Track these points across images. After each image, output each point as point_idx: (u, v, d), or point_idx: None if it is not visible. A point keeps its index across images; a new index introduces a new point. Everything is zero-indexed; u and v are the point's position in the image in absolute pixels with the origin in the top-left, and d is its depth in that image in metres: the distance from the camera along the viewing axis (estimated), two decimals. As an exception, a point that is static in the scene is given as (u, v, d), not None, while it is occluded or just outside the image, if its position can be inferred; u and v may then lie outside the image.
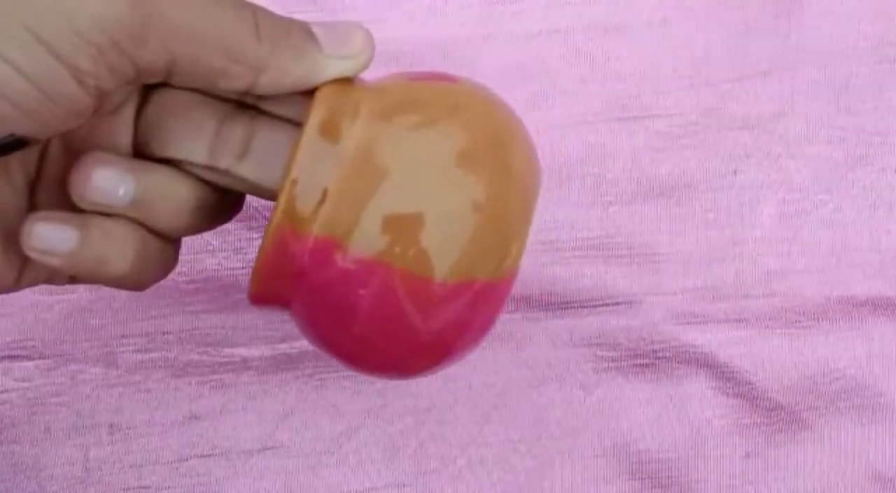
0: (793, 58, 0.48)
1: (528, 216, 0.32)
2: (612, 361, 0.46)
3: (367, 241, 0.30)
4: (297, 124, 0.32)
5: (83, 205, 0.32)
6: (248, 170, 0.33)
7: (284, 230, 0.30)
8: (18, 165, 0.32)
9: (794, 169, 0.47)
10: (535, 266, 0.46)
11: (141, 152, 0.33)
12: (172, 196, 0.33)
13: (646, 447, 0.46)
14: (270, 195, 0.33)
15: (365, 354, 0.33)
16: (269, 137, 0.33)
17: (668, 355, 0.46)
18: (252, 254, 0.46)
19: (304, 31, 0.31)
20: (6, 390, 0.45)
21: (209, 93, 0.33)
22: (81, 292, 0.45)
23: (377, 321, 0.31)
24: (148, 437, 0.45)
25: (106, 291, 0.45)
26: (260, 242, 0.33)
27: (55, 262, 0.31)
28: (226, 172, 0.33)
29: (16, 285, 0.33)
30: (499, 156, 0.31)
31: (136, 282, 0.33)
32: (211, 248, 0.46)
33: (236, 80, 0.31)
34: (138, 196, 0.32)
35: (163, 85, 0.33)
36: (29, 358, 0.45)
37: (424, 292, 0.30)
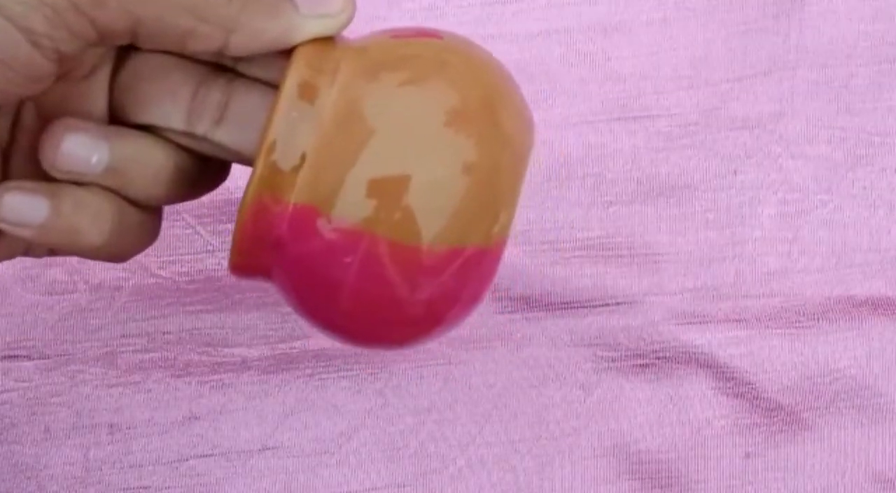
0: (793, 58, 0.48)
1: (519, 179, 0.31)
2: (612, 361, 0.46)
3: (350, 207, 0.29)
4: (276, 87, 0.31)
5: (55, 174, 0.30)
6: (226, 135, 0.31)
7: (263, 197, 0.29)
8: None
9: (793, 169, 0.47)
10: (535, 266, 0.46)
11: (117, 119, 0.32)
12: (149, 163, 0.31)
13: (646, 448, 0.46)
14: (250, 161, 0.31)
15: (351, 326, 0.31)
16: (246, 101, 0.32)
17: (667, 355, 0.46)
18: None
19: None
20: (6, 391, 0.45)
21: (185, 56, 0.32)
22: (81, 292, 0.45)
23: (363, 293, 0.30)
24: (148, 437, 0.45)
25: (106, 291, 0.45)
26: None
27: (27, 233, 0.30)
28: (203, 139, 0.32)
29: None
30: (490, 115, 0.30)
31: (113, 253, 0.32)
32: (211, 248, 0.46)
33: (205, 41, 0.29)
34: (112, 163, 0.31)
35: (137, 48, 0.32)
36: (29, 358, 0.45)
37: (412, 260, 0.29)
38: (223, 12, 0.29)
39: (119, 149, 0.31)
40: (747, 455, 0.46)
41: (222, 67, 0.32)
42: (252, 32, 0.29)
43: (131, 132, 0.31)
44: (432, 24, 0.47)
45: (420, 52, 0.31)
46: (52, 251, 0.33)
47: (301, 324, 0.46)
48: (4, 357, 0.45)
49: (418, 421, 0.46)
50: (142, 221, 0.32)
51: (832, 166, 0.47)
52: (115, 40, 0.29)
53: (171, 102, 0.31)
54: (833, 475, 0.46)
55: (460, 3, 0.47)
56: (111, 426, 0.45)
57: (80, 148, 0.30)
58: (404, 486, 0.45)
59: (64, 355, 0.45)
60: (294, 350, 0.46)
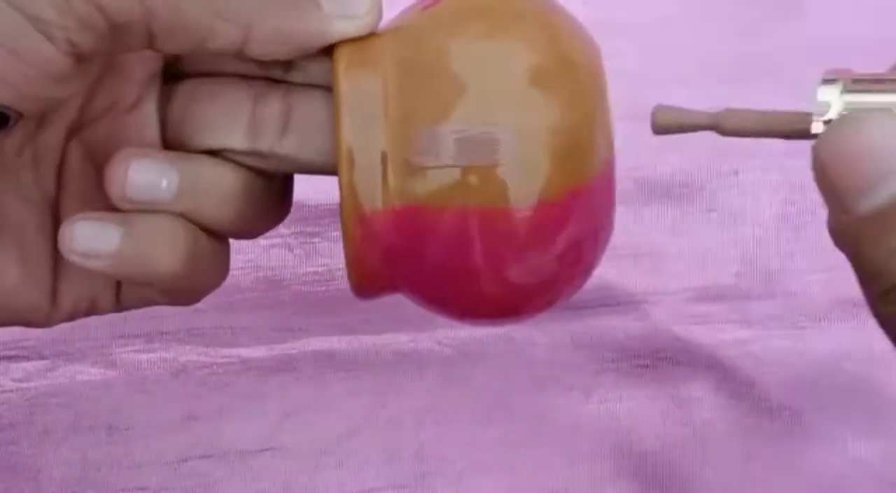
0: (793, 57, 0.48)
1: (607, 112, 0.31)
2: (613, 361, 0.46)
3: (448, 190, 0.28)
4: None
5: (124, 205, 0.29)
6: (293, 146, 0.30)
7: (361, 213, 0.28)
8: (32, 180, 0.30)
9: (795, 169, 0.47)
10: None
11: (173, 149, 0.31)
12: (218, 185, 0.30)
13: (647, 448, 0.46)
14: (319, 170, 0.31)
15: (502, 305, 0.31)
16: (309, 107, 0.31)
17: (668, 355, 0.46)
18: (251, 254, 0.45)
19: None
20: (4, 391, 0.45)
21: (237, 74, 0.31)
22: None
23: (498, 269, 0.29)
24: (147, 438, 0.45)
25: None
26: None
27: (98, 264, 0.29)
28: (269, 154, 0.31)
29: (52, 313, 0.31)
30: (571, 66, 0.30)
31: (188, 284, 0.31)
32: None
33: (223, 39, 0.28)
34: (183, 188, 0.29)
35: (185, 76, 0.31)
36: (28, 358, 0.45)
37: (531, 220, 0.28)
38: (241, 7, 0.28)
39: (187, 172, 0.30)
40: (748, 456, 0.46)
41: (274, 81, 0.31)
42: (272, 30, 0.28)
43: (195, 156, 0.30)
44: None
45: (453, 31, 0.30)
46: (119, 303, 0.32)
47: (301, 324, 0.46)
48: (3, 358, 0.45)
49: (418, 422, 0.46)
50: (214, 250, 0.31)
51: (833, 166, 0.47)
52: (131, 39, 0.28)
53: (230, 122, 0.31)
54: (833, 475, 0.46)
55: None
56: (110, 426, 0.45)
57: (148, 174, 0.29)
58: (404, 487, 0.45)
59: (63, 355, 0.45)
60: (294, 350, 0.45)
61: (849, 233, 0.23)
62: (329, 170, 0.30)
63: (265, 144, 0.30)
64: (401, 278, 0.30)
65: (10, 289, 0.30)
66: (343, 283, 0.46)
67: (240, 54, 0.29)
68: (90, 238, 0.29)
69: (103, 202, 0.30)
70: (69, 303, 0.31)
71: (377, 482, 0.45)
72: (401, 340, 0.46)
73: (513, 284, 0.30)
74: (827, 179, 0.24)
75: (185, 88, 0.31)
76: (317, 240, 0.46)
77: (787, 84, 0.48)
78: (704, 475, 0.46)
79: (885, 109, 0.25)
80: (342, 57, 0.29)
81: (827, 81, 0.26)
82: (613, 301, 0.46)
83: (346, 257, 0.29)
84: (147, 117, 0.31)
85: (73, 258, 0.29)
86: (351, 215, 0.29)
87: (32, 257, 0.30)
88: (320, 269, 0.46)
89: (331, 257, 0.46)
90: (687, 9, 0.48)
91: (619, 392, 0.46)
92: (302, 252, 0.46)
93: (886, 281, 0.22)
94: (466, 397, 0.46)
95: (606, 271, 0.46)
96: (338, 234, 0.45)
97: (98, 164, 0.31)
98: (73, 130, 0.31)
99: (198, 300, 0.32)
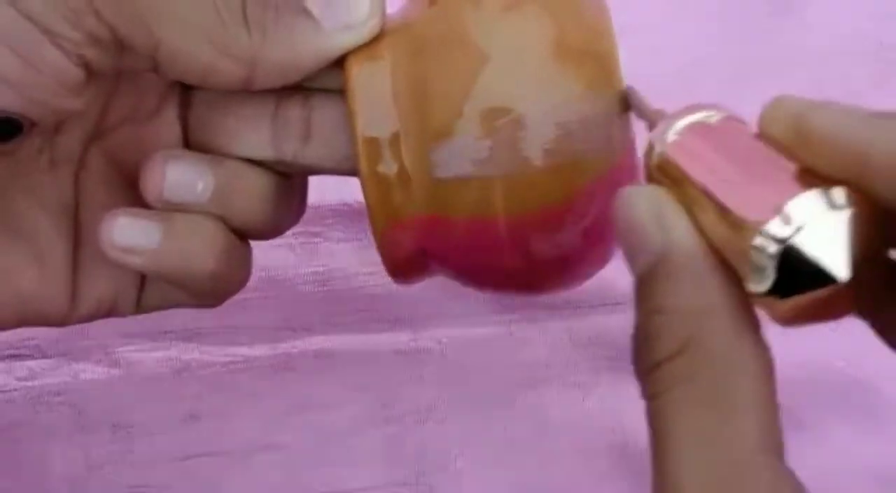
0: (793, 58, 0.48)
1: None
2: (612, 361, 0.46)
3: (471, 166, 0.28)
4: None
5: (160, 205, 0.29)
6: (316, 152, 0.30)
7: (390, 220, 0.29)
8: (49, 184, 0.30)
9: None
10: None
11: None
12: (250, 187, 0.30)
13: (645, 447, 0.46)
14: (344, 171, 0.31)
15: (540, 283, 0.31)
16: (327, 112, 0.30)
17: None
18: (253, 254, 0.46)
19: (295, 10, 0.28)
20: (9, 389, 0.45)
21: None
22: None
23: (529, 258, 0.29)
24: (149, 436, 0.45)
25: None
26: None
27: (137, 260, 0.29)
28: (293, 162, 0.30)
29: (71, 314, 0.31)
30: (591, 42, 0.29)
31: (221, 285, 0.31)
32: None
33: (226, 77, 0.28)
34: (218, 190, 0.30)
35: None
36: (31, 357, 0.45)
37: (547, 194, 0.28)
38: (244, 45, 0.28)
39: (221, 175, 0.30)
40: (746, 455, 0.46)
41: (293, 87, 0.31)
42: (275, 67, 0.28)
43: (227, 159, 0.30)
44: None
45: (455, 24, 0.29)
46: (141, 304, 0.32)
47: (302, 323, 0.46)
48: (7, 356, 0.45)
49: (418, 421, 0.46)
50: (243, 253, 0.31)
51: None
52: (138, 59, 0.28)
53: (253, 130, 0.30)
54: (833, 475, 0.46)
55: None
56: (113, 425, 0.45)
57: (185, 175, 0.29)
58: (404, 485, 0.45)
59: (66, 354, 0.45)
60: (294, 350, 0.46)
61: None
62: (352, 170, 0.30)
63: (288, 150, 0.30)
64: (431, 256, 0.30)
65: (29, 291, 0.30)
66: (343, 283, 0.46)
67: (245, 88, 0.29)
68: (132, 234, 0.29)
69: (125, 207, 0.30)
70: (90, 304, 0.31)
71: (377, 481, 0.45)
72: (401, 339, 0.46)
73: (536, 257, 0.30)
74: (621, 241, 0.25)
75: (204, 96, 0.31)
76: (318, 240, 0.46)
77: (787, 84, 0.48)
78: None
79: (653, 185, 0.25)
80: (352, 65, 0.29)
81: (671, 120, 0.26)
82: (612, 300, 0.46)
83: (377, 242, 0.29)
84: (168, 125, 0.31)
85: (114, 254, 0.29)
86: (383, 228, 0.29)
87: (50, 261, 0.30)
88: (322, 269, 0.46)
89: (332, 257, 0.46)
90: (687, 9, 0.48)
91: (618, 391, 0.46)
92: (304, 252, 0.46)
93: (632, 350, 0.24)
94: (466, 397, 0.46)
95: (606, 270, 0.46)
96: (338, 234, 0.45)
97: (120, 170, 0.31)
98: (92, 138, 0.31)
99: (220, 302, 0.32)
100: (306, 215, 0.46)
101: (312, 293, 0.46)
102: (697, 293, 0.23)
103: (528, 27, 0.28)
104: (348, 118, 0.29)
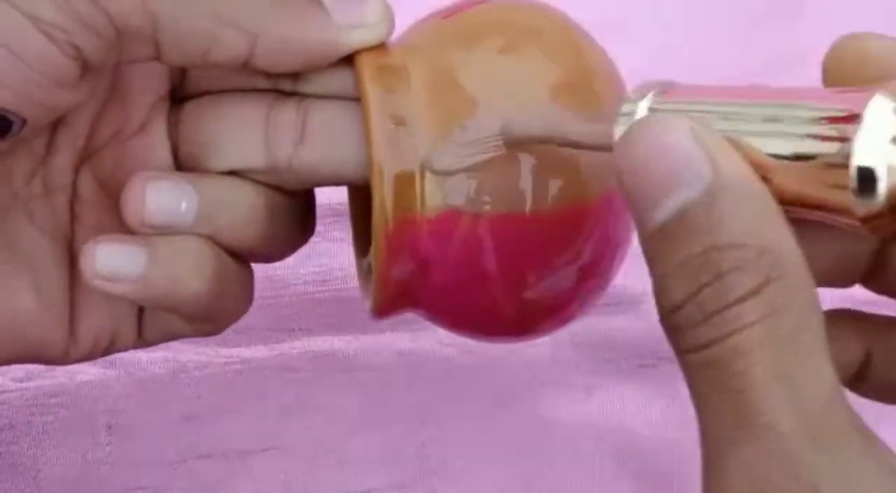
0: (793, 58, 0.48)
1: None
2: (613, 361, 0.46)
3: (469, 201, 0.28)
4: (346, 98, 0.30)
5: (143, 230, 0.28)
6: (312, 154, 0.29)
7: (399, 224, 0.28)
8: (44, 210, 0.30)
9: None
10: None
11: (189, 171, 0.30)
12: (239, 204, 0.29)
13: (647, 448, 0.46)
14: (341, 181, 0.30)
15: (528, 319, 0.31)
16: (323, 118, 0.30)
17: (669, 355, 0.46)
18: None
19: None
20: (4, 391, 0.44)
21: (243, 89, 0.30)
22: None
23: (522, 277, 0.29)
24: (147, 437, 0.45)
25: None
26: None
27: (122, 289, 0.28)
28: (287, 167, 0.30)
29: (70, 348, 0.30)
30: (589, 82, 0.30)
31: (214, 310, 0.30)
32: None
33: (229, 48, 0.27)
34: (203, 209, 0.29)
35: (192, 96, 0.30)
36: (27, 358, 0.45)
37: (543, 229, 0.29)
38: (247, 15, 0.27)
39: (206, 193, 0.29)
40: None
41: (286, 93, 0.30)
42: (279, 39, 0.28)
43: (213, 175, 0.30)
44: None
45: (480, 34, 0.30)
46: (142, 335, 0.31)
47: (301, 324, 0.46)
48: (2, 357, 0.45)
49: (418, 421, 0.46)
50: (238, 274, 0.30)
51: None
52: (138, 47, 0.27)
53: (244, 138, 0.30)
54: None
55: (461, 2, 0.47)
56: (110, 426, 0.45)
57: (166, 196, 0.28)
58: (404, 486, 0.45)
59: (62, 355, 0.45)
60: (294, 350, 0.45)
61: (645, 245, 0.23)
62: (350, 180, 0.30)
63: (282, 154, 0.29)
64: (423, 293, 0.30)
65: (26, 319, 0.29)
66: (343, 283, 0.46)
67: (247, 66, 0.28)
68: (114, 261, 0.28)
69: (119, 232, 0.29)
70: (89, 337, 0.30)
71: (377, 482, 0.45)
72: (401, 340, 0.46)
73: (529, 299, 0.30)
74: (624, 189, 0.22)
75: (192, 108, 0.30)
76: (317, 240, 0.46)
77: (787, 84, 0.48)
78: (704, 475, 0.46)
79: (681, 112, 0.23)
80: (366, 67, 0.28)
81: (634, 95, 0.24)
82: (614, 301, 0.46)
83: (376, 269, 0.29)
84: (156, 142, 0.30)
85: (97, 283, 0.28)
86: (383, 228, 0.28)
87: (48, 288, 0.29)
88: (320, 269, 0.46)
89: (331, 257, 0.46)
90: (687, 9, 0.48)
91: (620, 392, 0.46)
92: (302, 252, 0.46)
93: (671, 298, 0.22)
94: (467, 397, 0.46)
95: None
96: (338, 234, 0.45)
97: (110, 192, 0.30)
98: (82, 159, 0.31)
99: (220, 330, 0.31)
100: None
101: (311, 294, 0.46)
102: (771, 226, 0.21)
103: (525, 69, 0.29)
104: (362, 105, 0.28)
